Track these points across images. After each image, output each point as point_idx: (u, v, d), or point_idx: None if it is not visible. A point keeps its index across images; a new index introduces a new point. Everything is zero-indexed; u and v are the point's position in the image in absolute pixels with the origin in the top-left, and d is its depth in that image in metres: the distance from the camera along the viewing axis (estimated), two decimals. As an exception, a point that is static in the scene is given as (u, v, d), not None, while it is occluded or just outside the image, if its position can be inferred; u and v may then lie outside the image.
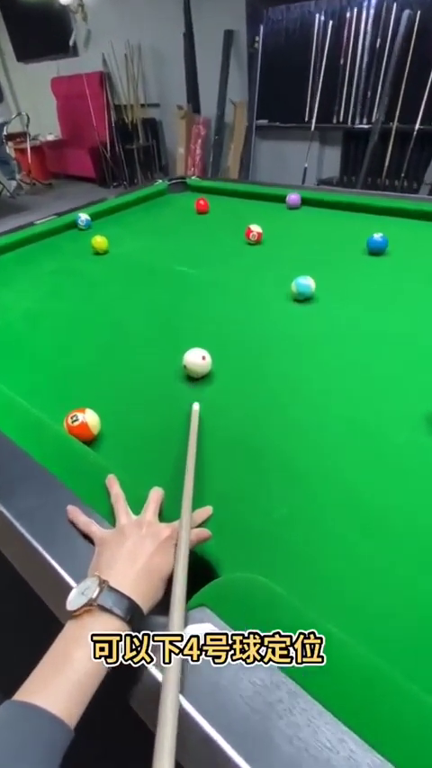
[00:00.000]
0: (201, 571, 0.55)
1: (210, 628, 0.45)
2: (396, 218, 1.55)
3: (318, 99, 3.84)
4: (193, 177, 2.11)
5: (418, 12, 3.20)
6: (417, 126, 3.43)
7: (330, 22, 3.60)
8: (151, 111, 5.37)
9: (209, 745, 0.36)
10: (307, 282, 1.08)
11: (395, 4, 3.29)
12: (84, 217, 1.70)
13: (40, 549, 0.52)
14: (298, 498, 0.64)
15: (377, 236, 1.28)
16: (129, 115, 5.29)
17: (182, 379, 0.88)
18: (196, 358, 0.85)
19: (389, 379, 0.85)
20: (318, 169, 4.33)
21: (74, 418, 0.72)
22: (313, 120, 3.93)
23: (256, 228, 1.44)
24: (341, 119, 3.87)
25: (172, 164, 5.53)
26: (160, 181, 2.09)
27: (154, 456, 0.72)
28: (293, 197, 1.74)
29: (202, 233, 1.62)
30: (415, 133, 3.45)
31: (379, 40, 3.45)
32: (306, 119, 4.02)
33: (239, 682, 0.40)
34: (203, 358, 0.85)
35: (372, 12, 3.42)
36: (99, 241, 1.47)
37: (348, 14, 3.52)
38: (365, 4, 3.43)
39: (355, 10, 3.47)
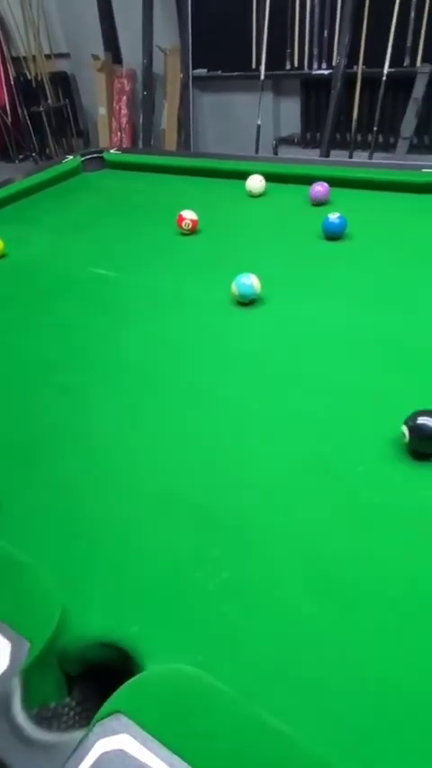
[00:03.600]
0: (119, 666, 0.57)
1: (127, 741, 0.47)
2: (359, 191, 1.63)
3: (265, 41, 3.97)
4: (112, 150, 2.15)
5: None
6: (385, 69, 3.60)
7: None
8: (60, 62, 5.38)
9: None
10: (249, 282, 1.13)
11: None
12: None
13: None
14: (243, 558, 0.67)
15: (333, 216, 1.35)
16: (31, 69, 5.28)
17: (98, 425, 0.91)
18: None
19: (351, 395, 0.90)
20: (275, 126, 4.46)
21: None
22: (262, 68, 4.05)
23: (189, 215, 1.48)
24: (296, 64, 4.01)
25: (93, 128, 5.55)
26: (71, 157, 2.12)
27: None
28: (320, 189, 1.56)
29: (127, 223, 1.65)
30: (384, 78, 3.62)
31: (332, -31, 3.62)
32: (254, 66, 4.14)
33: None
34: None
35: None
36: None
37: None
38: None
39: None
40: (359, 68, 3.69)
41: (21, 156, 5.68)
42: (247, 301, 1.15)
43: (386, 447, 0.79)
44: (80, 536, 0.71)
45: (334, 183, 1.65)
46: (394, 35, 3.51)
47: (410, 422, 0.74)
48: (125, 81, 4.82)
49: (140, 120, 4.82)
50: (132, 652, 0.58)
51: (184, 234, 1.50)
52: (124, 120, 4.91)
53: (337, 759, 0.45)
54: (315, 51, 3.91)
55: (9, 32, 5.31)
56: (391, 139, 3.80)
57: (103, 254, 1.47)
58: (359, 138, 3.93)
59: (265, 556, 0.67)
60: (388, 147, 3.81)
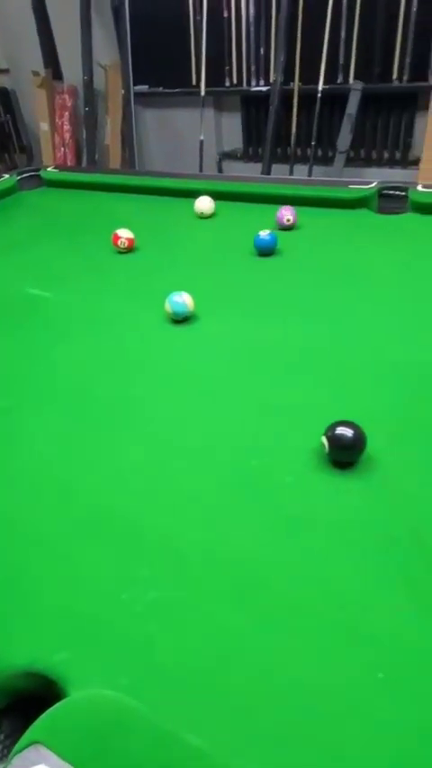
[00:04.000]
0: (46, 695, 0.57)
1: (45, 773, 0.47)
2: (301, 207, 1.68)
3: (204, 58, 4.05)
4: (49, 169, 2.14)
5: (304, -42, 3.51)
6: (320, 86, 3.73)
7: (207, -30, 3.83)
8: (0, 78, 5.32)
9: None
10: (182, 300, 1.15)
11: None
12: None
13: None
14: (171, 577, 0.68)
15: (264, 233, 1.39)
16: (-30, 85, 5.21)
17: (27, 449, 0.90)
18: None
19: (278, 409, 0.93)
20: (217, 141, 4.53)
21: None
22: (202, 84, 4.13)
23: (124, 234, 1.49)
24: (235, 81, 4.11)
25: (36, 143, 5.50)
26: (7, 176, 2.10)
27: None
28: (286, 215, 1.54)
29: (63, 243, 1.65)
30: (319, 95, 3.75)
31: (265, -9, 3.74)
32: (194, 82, 4.21)
33: None
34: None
35: (252, -42, 3.70)
36: None
37: (226, -39, 3.77)
38: None
39: None
40: (295, 85, 3.80)
41: (-38, 173, 5.56)
42: (180, 319, 1.17)
43: (311, 458, 0.82)
44: None
45: (274, 200, 1.70)
46: (327, 53, 3.64)
47: (329, 433, 0.77)
48: (66, 97, 4.80)
49: (83, 136, 4.81)
50: (58, 680, 0.58)
51: (120, 252, 1.51)
52: (67, 136, 4.89)
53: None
54: (253, 68, 4.02)
55: None
56: (330, 153, 3.93)
57: (39, 273, 1.47)
58: (299, 152, 4.04)
59: (193, 572, 0.68)
60: (327, 161, 3.93)
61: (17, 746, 0.49)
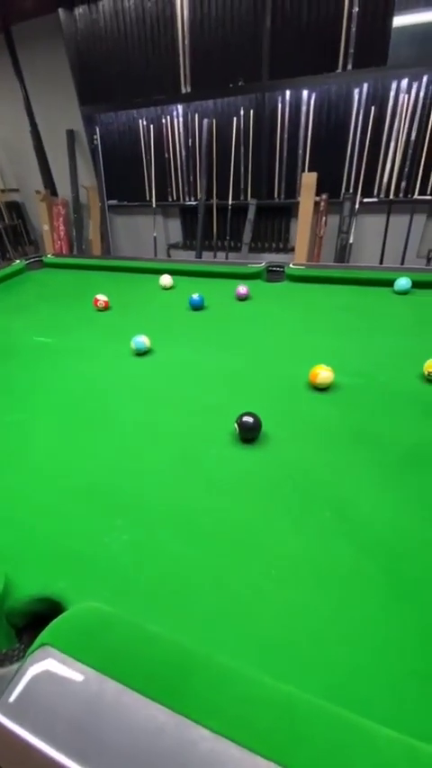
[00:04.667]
0: (53, 613, 0.55)
1: (52, 664, 0.46)
2: (211, 279, 1.73)
3: (154, 183, 4.09)
4: (48, 255, 2.08)
5: (213, 120, 3.64)
6: (230, 201, 3.86)
7: (151, 126, 3.89)
8: (13, 195, 5.14)
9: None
10: (142, 340, 1.15)
11: (196, 114, 3.70)
12: None
13: None
14: (137, 524, 0.68)
15: (195, 295, 1.42)
16: (-9, 199, 5.00)
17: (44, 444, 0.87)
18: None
19: (206, 408, 0.94)
20: (165, 236, 4.57)
21: None
22: (153, 200, 4.17)
23: (102, 297, 1.48)
24: (175, 197, 4.17)
25: (40, 239, 5.33)
26: (18, 261, 2.02)
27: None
28: (242, 290, 1.49)
29: (58, 305, 1.61)
30: (229, 207, 3.87)
31: (190, 140, 3.83)
32: (148, 198, 4.24)
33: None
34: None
35: (180, 119, 3.79)
36: None
37: (163, 120, 3.84)
38: (174, 113, 3.79)
39: (168, 117, 3.82)
40: (214, 201, 3.91)
41: (-13, 259, 5.30)
42: (141, 352, 1.17)
43: (227, 438, 0.84)
44: (16, 522, 0.68)
45: (207, 275, 1.73)
46: (233, 180, 3.78)
47: (238, 420, 0.80)
48: (60, 207, 4.69)
49: (74, 233, 4.72)
50: (61, 601, 0.56)
51: (99, 311, 1.49)
52: (62, 233, 4.77)
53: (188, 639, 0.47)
54: (186, 189, 4.10)
55: (-29, 173, 5.00)
56: (238, 244, 4.05)
57: (42, 326, 1.42)
58: (218, 243, 4.13)
59: (151, 520, 0.68)
60: (236, 249, 4.05)
61: (30, 649, 0.47)
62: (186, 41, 3.42)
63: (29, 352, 1.26)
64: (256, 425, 0.79)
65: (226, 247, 4.03)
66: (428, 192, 3.27)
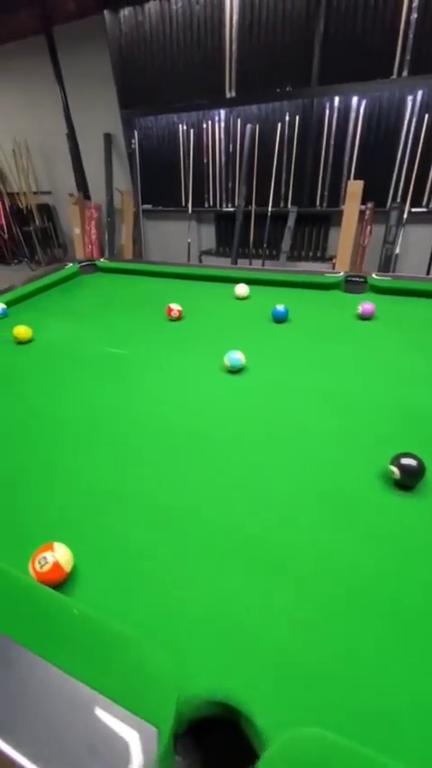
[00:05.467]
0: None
1: None
2: (281, 289, 1.60)
3: (191, 189, 4.01)
4: (102, 260, 1.98)
5: (257, 126, 3.55)
6: (269, 209, 3.75)
7: (191, 130, 3.81)
8: (44, 197, 5.11)
9: None
10: (238, 357, 1.02)
11: (239, 120, 3.61)
12: (0, 306, 1.46)
13: None
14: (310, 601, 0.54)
15: (280, 307, 1.29)
16: (23, 201, 4.97)
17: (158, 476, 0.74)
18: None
19: (336, 436, 0.81)
20: (198, 243, 4.48)
21: (42, 562, 0.53)
22: (189, 205, 4.08)
23: (175, 306, 1.36)
24: (211, 203, 4.08)
25: (69, 242, 5.29)
26: (71, 264, 1.92)
27: (142, 580, 0.56)
28: (368, 308, 1.28)
29: (125, 313, 1.49)
30: (269, 214, 3.77)
31: (231, 145, 3.75)
32: (183, 203, 4.16)
33: None
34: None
35: (222, 124, 3.71)
36: (22, 331, 1.25)
37: (204, 125, 3.77)
38: (216, 118, 3.71)
39: (210, 122, 3.74)
40: (253, 208, 3.81)
41: (15, 261, 5.27)
42: (235, 370, 1.04)
43: (377, 480, 0.70)
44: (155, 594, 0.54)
45: (274, 283, 1.60)
46: (274, 187, 3.68)
47: (396, 461, 0.66)
48: (93, 210, 4.64)
49: (105, 237, 4.65)
50: (239, 707, 0.43)
51: (172, 321, 1.37)
52: (94, 237, 4.71)
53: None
54: (224, 196, 4.01)
55: (5, 175, 4.98)
56: (275, 252, 3.94)
57: (112, 336, 1.30)
58: (254, 251, 4.03)
59: (322, 588, 0.54)
60: (273, 257, 3.94)
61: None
62: (234, 46, 3.34)
63: (103, 364, 1.14)
64: (421, 470, 0.66)
65: (262, 255, 3.92)
66: None
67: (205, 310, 1.46)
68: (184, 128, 3.83)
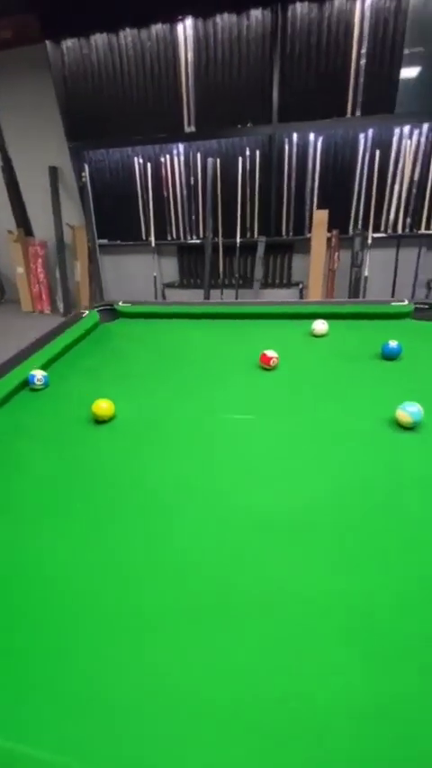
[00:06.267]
0: None
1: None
2: (360, 321, 1.48)
3: (152, 221, 3.85)
4: (121, 303, 1.69)
5: (218, 160, 3.55)
6: (238, 239, 3.74)
7: (148, 164, 3.68)
8: (-28, 235, 4.51)
9: None
10: (417, 409, 0.86)
11: (199, 153, 3.58)
12: (40, 374, 1.11)
13: None
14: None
15: (392, 343, 1.16)
16: None
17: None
18: None
19: None
20: (159, 276, 4.29)
21: None
22: (153, 239, 3.90)
23: (271, 354, 1.16)
24: (174, 236, 3.95)
25: (9, 283, 4.71)
26: (87, 312, 1.61)
27: None
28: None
29: (199, 366, 1.23)
30: (238, 245, 3.75)
31: (192, 178, 3.69)
32: (144, 237, 3.96)
33: None
34: None
35: (182, 158, 3.65)
36: (105, 407, 0.94)
37: (162, 159, 3.67)
38: (175, 152, 3.64)
39: (168, 156, 3.65)
40: (220, 239, 3.76)
41: None
42: (410, 427, 0.87)
43: None
44: None
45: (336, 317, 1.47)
46: (241, 218, 3.68)
47: None
48: (38, 248, 4.20)
49: (57, 275, 4.22)
50: None
51: (267, 370, 1.17)
52: (41, 276, 4.25)
53: None
54: (187, 228, 3.91)
55: None
56: (242, 282, 3.90)
57: (217, 399, 1.05)
58: (225, 281, 3.96)
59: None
60: (245, 287, 3.91)
61: None
62: (191, 82, 3.33)
63: (229, 432, 0.89)
64: None
65: (235, 285, 3.87)
66: (432, 228, 3.46)
67: (290, 353, 1.28)
68: (141, 161, 3.69)
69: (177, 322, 1.59)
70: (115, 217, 3.94)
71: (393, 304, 1.50)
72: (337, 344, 1.32)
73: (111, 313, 1.66)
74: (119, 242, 4.03)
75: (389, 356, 1.17)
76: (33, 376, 1.09)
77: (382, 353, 1.18)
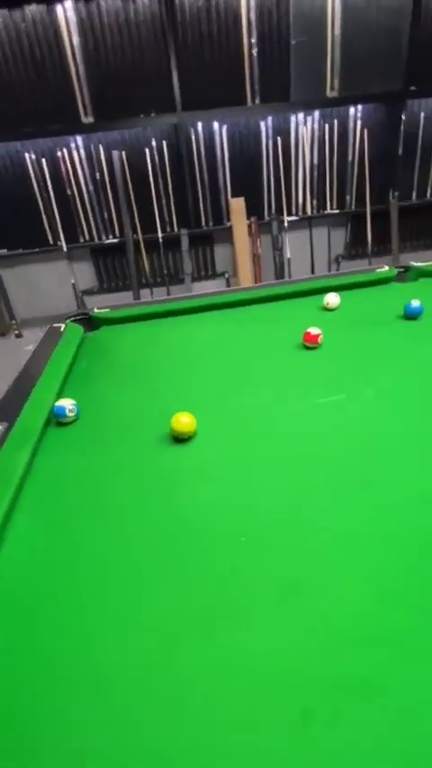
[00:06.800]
0: None
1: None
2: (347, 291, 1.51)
3: (59, 224, 3.45)
4: (95, 310, 1.46)
5: (123, 152, 3.33)
6: (159, 234, 3.58)
7: (43, 160, 3.28)
8: None
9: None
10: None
11: (101, 146, 3.31)
12: (69, 403, 0.87)
13: None
14: None
15: (415, 302, 1.20)
16: None
17: None
18: None
19: None
20: (77, 283, 3.89)
21: None
22: (63, 243, 3.50)
23: (315, 330, 1.10)
24: (87, 238, 3.60)
25: None
26: (65, 323, 1.34)
27: None
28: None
29: (236, 358, 1.11)
30: (161, 240, 3.59)
31: (98, 173, 3.40)
32: (53, 242, 3.54)
33: None
34: None
35: (82, 152, 3.33)
36: (186, 422, 0.78)
37: (59, 153, 3.30)
38: (73, 145, 3.30)
39: (65, 150, 3.29)
40: (140, 236, 3.55)
41: None
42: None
43: None
44: None
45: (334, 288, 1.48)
46: (158, 212, 3.52)
47: None
48: None
49: None
50: None
51: (310, 348, 1.11)
52: None
53: None
54: (100, 227, 3.60)
55: None
56: (180, 276, 3.78)
57: (299, 385, 0.95)
58: (158, 280, 3.77)
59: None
60: (179, 282, 3.78)
61: None
62: (81, 69, 3.03)
63: (318, 415, 0.82)
64: None
65: (166, 282, 3.71)
66: (335, 207, 3.78)
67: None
68: (33, 156, 3.26)
69: (172, 320, 1.43)
70: (12, 222, 3.44)
71: (378, 271, 1.58)
72: (352, 314, 1.32)
73: (85, 322, 1.42)
74: (21, 250, 3.52)
75: (411, 315, 1.21)
76: (63, 408, 0.86)
77: (405, 313, 1.22)
